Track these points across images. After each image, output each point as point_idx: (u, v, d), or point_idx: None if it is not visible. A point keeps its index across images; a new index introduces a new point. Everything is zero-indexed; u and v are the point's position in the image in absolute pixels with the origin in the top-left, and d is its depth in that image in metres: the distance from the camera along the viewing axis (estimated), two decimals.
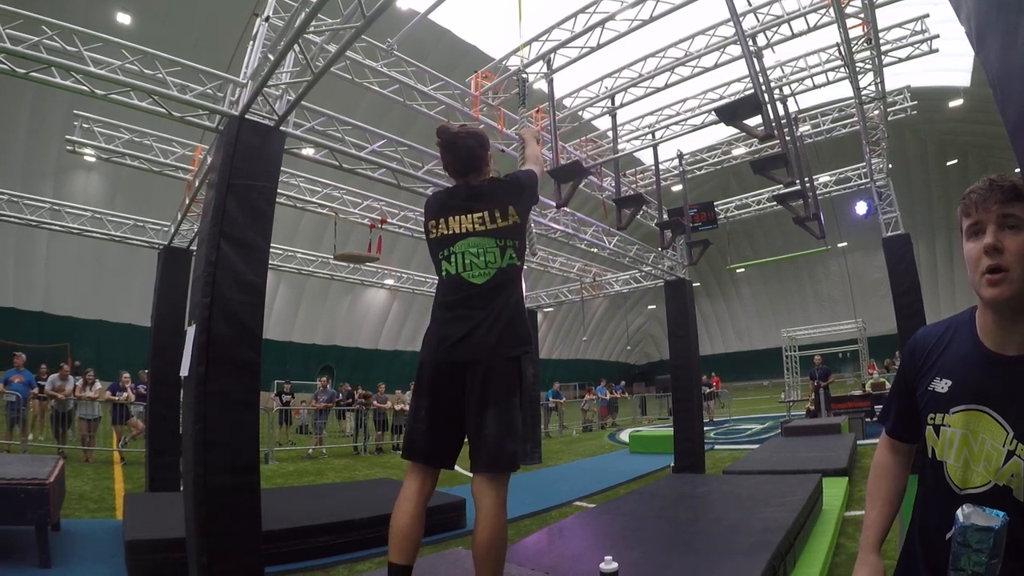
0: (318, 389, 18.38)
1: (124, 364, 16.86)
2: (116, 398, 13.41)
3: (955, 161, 43.88)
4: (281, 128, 5.90)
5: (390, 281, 15.42)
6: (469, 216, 2.95)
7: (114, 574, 5.77)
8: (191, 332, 5.06)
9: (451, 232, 2.97)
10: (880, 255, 11.78)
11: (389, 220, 10.68)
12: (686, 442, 11.63)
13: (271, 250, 11.92)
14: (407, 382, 20.43)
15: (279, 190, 8.99)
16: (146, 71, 5.72)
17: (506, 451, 2.77)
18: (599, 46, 7.45)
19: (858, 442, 12.53)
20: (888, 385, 19.39)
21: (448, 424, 2.90)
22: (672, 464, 11.89)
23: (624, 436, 20.24)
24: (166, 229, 10.21)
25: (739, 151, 11.53)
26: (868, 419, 16.56)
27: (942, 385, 1.65)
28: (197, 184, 7.91)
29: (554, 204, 8.05)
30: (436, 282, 3.17)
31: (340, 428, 20.27)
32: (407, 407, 16.15)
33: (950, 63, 27.46)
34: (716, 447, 15.65)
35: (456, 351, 2.86)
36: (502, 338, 2.86)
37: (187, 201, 8.64)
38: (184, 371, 5.09)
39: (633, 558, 4.26)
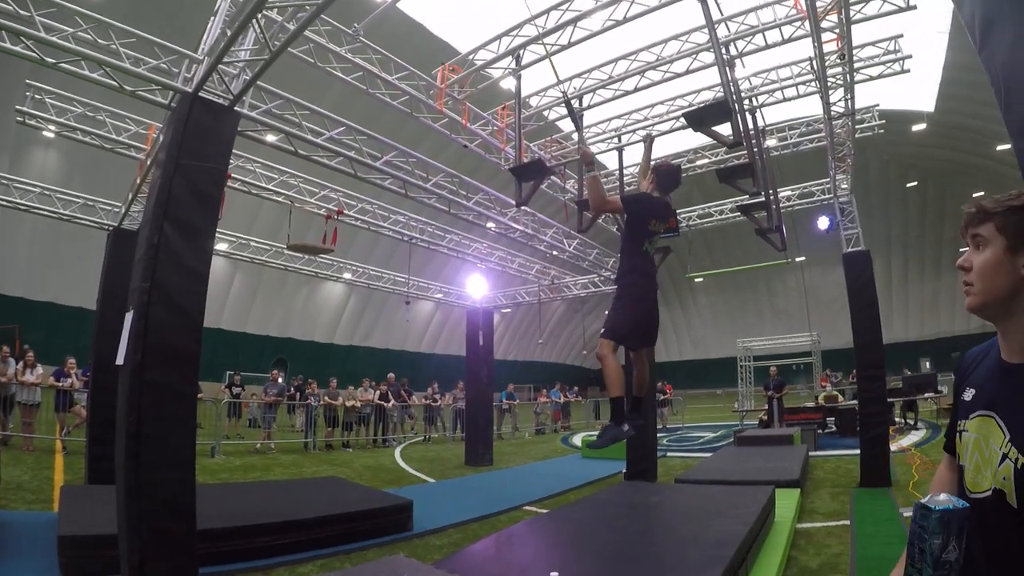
0: (269, 382, 18.01)
1: (74, 348, 16.19)
2: (60, 384, 12.88)
3: (915, 184, 45.08)
4: (236, 108, 5.67)
5: (347, 275, 15.14)
6: (661, 224, 5.03)
7: (47, 569, 5.51)
8: (128, 318, 4.80)
9: (655, 230, 4.99)
10: (837, 271, 11.88)
11: (347, 212, 10.43)
12: (639, 448, 11.56)
13: (226, 238, 11.76)
14: (360, 378, 20.13)
15: (235, 175, 8.76)
16: (100, 41, 5.46)
17: None
18: (570, 44, 7.34)
19: (810, 453, 12.64)
20: (841, 398, 19.78)
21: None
22: (624, 470, 11.82)
23: (577, 440, 20.27)
24: (117, 210, 9.87)
25: (704, 160, 11.50)
26: (820, 431, 16.77)
27: (968, 394, 1.74)
28: (149, 163, 7.62)
29: (513, 203, 7.92)
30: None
31: (290, 423, 19.85)
32: (359, 404, 15.86)
33: (917, 88, 27.99)
34: (669, 454, 15.67)
35: (655, 295, 5.10)
36: None
37: (138, 181, 8.34)
38: (120, 359, 4.84)
39: (581, 571, 4.14)
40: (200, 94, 5.36)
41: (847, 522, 7.63)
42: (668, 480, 10.69)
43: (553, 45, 7.44)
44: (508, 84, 8.23)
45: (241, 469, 12.53)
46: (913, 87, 27.35)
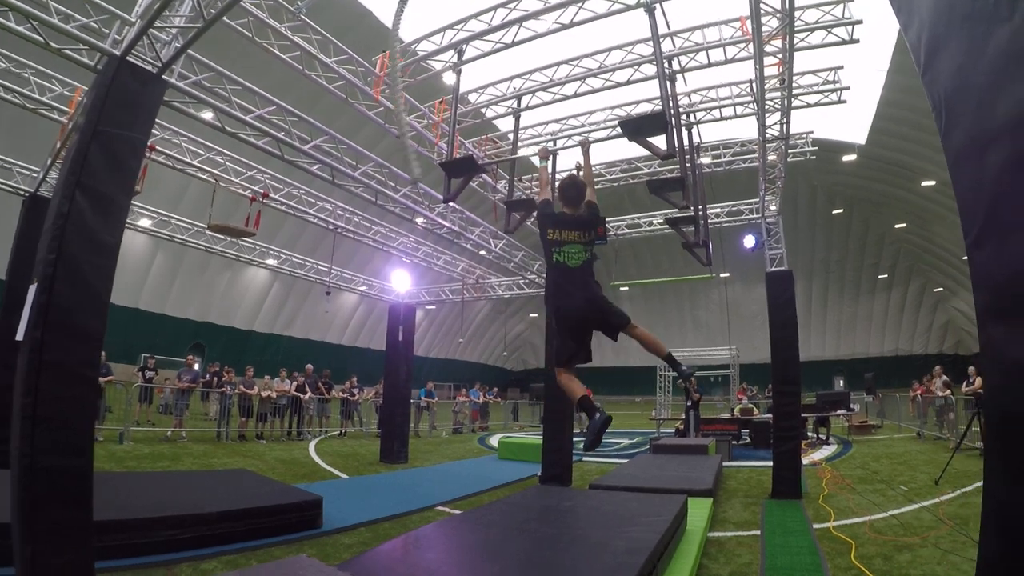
0: (184, 367, 17.40)
1: None
2: None
3: (841, 211, 46.88)
4: (164, 77, 5.43)
5: (271, 261, 14.76)
6: (573, 232, 4.93)
7: None
8: (32, 291, 4.52)
9: (562, 238, 4.91)
10: (759, 289, 12.15)
11: (273, 195, 10.15)
12: (555, 452, 11.59)
13: (148, 214, 11.30)
14: (278, 368, 19.64)
15: (160, 148, 8.42)
16: None
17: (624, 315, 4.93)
18: (514, 43, 7.29)
19: (724, 464, 12.88)
20: (756, 411, 20.30)
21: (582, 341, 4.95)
22: (539, 473, 11.83)
23: (494, 441, 20.25)
24: (36, 175, 9.40)
25: (637, 171, 11.61)
26: (735, 442, 17.17)
27: None
28: (71, 128, 7.26)
29: (441, 198, 7.85)
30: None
31: (204, 411, 19.22)
32: (274, 395, 15.39)
33: (851, 119, 28.94)
34: (584, 458, 15.75)
35: (580, 304, 4.84)
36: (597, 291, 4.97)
37: (58, 146, 7.95)
38: (19, 335, 4.56)
39: (490, 574, 4.07)
40: (128, 58, 5.12)
41: (757, 532, 7.78)
42: (583, 485, 10.73)
43: (497, 43, 7.38)
44: (449, 78, 8.13)
45: (150, 458, 12.05)
46: (848, 118, 28.29)
